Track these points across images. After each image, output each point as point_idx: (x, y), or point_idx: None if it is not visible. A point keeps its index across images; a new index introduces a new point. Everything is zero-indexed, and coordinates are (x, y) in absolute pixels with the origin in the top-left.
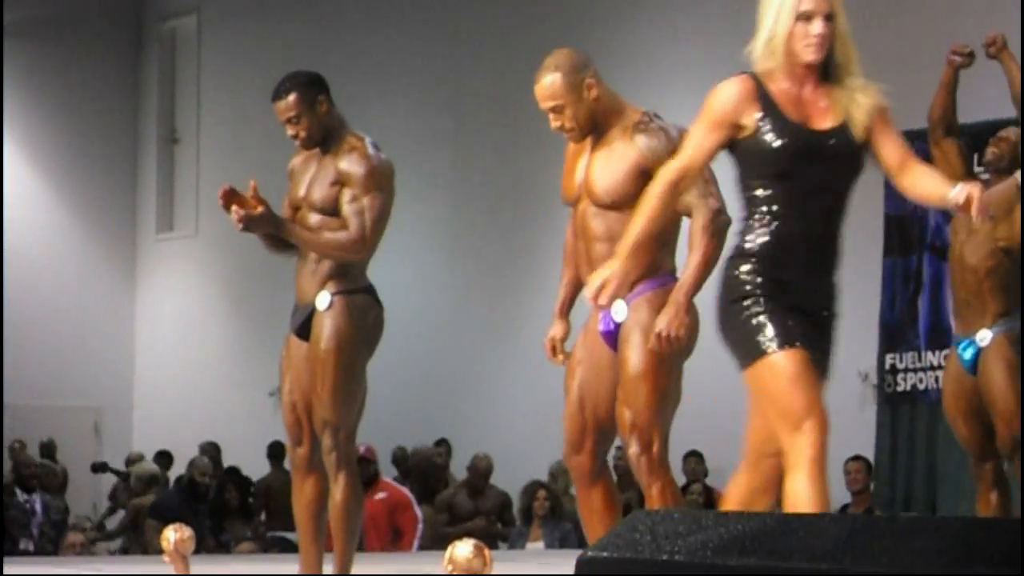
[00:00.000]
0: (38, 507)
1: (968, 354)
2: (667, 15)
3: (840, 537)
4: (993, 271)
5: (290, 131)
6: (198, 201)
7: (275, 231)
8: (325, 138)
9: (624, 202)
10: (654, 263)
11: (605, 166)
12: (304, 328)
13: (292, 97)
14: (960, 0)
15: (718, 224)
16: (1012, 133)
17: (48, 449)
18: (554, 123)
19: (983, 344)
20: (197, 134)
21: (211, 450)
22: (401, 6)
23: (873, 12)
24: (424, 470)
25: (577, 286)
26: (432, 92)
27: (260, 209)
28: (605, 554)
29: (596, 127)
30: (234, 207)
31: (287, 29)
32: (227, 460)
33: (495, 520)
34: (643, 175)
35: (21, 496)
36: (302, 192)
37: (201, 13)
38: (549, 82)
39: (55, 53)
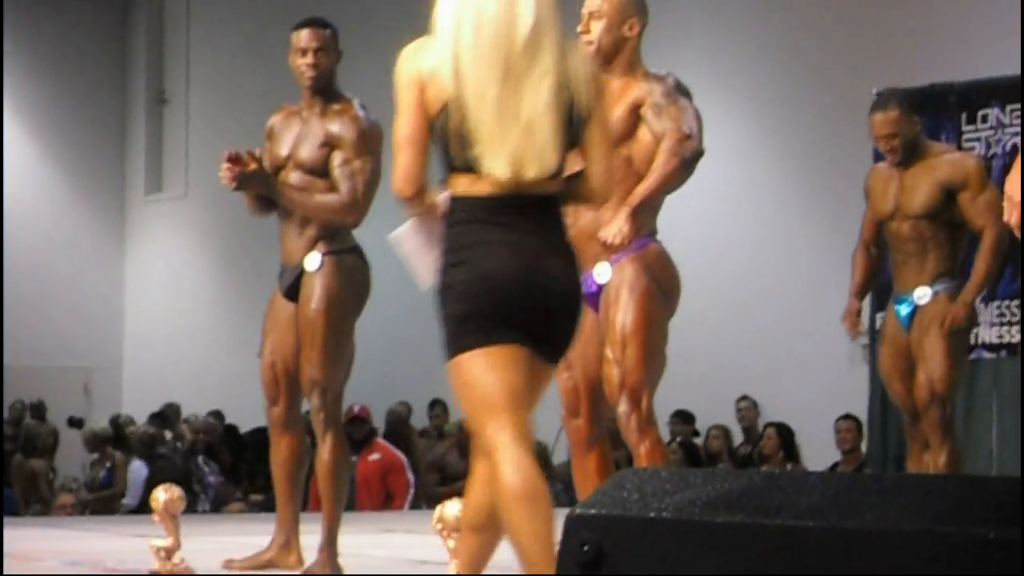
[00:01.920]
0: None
1: (905, 311)
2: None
3: (827, 494)
4: (934, 231)
5: (307, 60)
6: (187, 162)
7: (267, 192)
8: (324, 90)
9: (615, 141)
10: (638, 224)
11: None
12: (292, 289)
13: (327, 31)
14: None
15: (686, 147)
16: (880, 124)
17: (38, 410)
18: (581, 28)
19: (921, 302)
20: (186, 95)
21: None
22: None
23: None
24: (394, 427)
25: None
26: None
27: (253, 166)
28: (593, 511)
29: (608, 65)
30: (226, 164)
31: None
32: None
33: None
34: (634, 114)
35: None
36: (285, 151)
37: None
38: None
39: (42, 14)
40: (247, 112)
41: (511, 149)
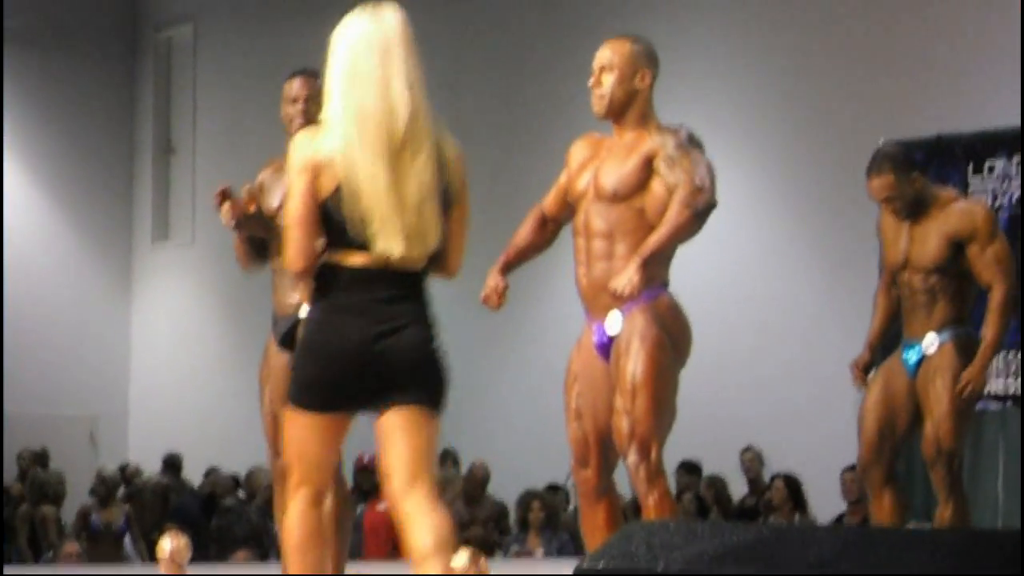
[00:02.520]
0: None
1: (913, 358)
2: (673, 23)
3: (835, 547)
4: (946, 283)
5: (298, 108)
6: (194, 210)
7: (265, 233)
8: None
9: (627, 193)
10: (649, 275)
11: (616, 162)
12: (287, 338)
13: (319, 81)
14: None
15: (698, 199)
16: (878, 189)
17: (41, 458)
18: (592, 82)
19: (929, 350)
20: (193, 144)
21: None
22: None
23: (876, 16)
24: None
25: (527, 256)
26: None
27: (253, 207)
28: (601, 564)
29: (621, 117)
30: (226, 204)
31: (283, 39)
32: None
33: (492, 528)
34: (647, 167)
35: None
36: (276, 203)
37: (197, 23)
38: (619, 44)
39: (52, 62)
40: (253, 161)
41: (403, 230)
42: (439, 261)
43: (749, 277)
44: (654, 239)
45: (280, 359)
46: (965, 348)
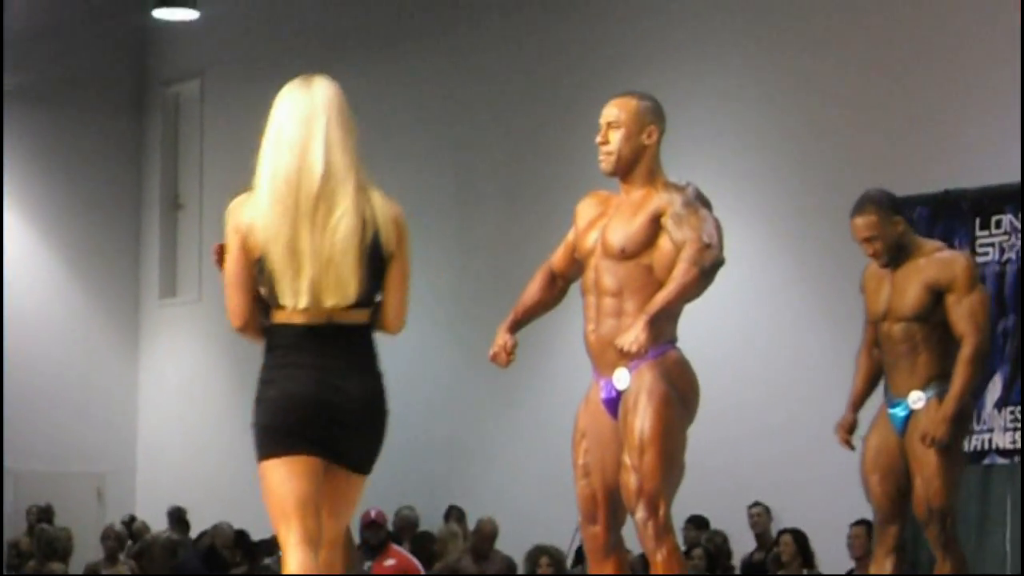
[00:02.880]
0: None
1: (900, 414)
2: (680, 80)
3: None
4: (927, 334)
5: None
6: (201, 266)
7: None
8: None
9: (635, 250)
10: (657, 331)
11: (624, 219)
12: None
13: None
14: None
15: (705, 257)
16: (870, 230)
17: (45, 514)
18: (600, 139)
19: (916, 406)
20: (200, 199)
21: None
22: (403, 70)
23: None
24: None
25: (536, 313)
26: (435, 158)
27: None
28: None
29: (628, 174)
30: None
31: None
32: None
33: None
34: (655, 223)
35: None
36: None
37: (204, 78)
38: (627, 101)
39: (58, 118)
40: None
41: (307, 284)
42: (378, 316)
43: (756, 330)
44: (661, 297)
45: None
46: None
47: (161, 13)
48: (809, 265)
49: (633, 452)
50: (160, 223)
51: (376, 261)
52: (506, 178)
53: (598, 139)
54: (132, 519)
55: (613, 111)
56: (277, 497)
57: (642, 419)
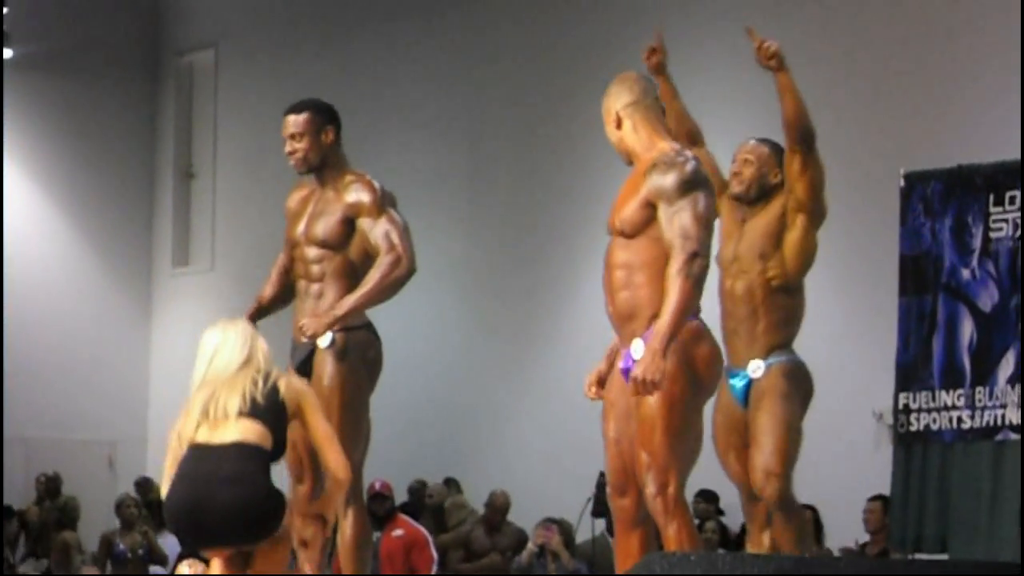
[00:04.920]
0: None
1: (740, 385)
2: (689, 47)
3: None
4: (766, 305)
5: (288, 147)
6: (214, 236)
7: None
8: (322, 169)
9: (634, 232)
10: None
11: (625, 198)
12: (305, 365)
13: (304, 115)
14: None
15: (693, 267)
16: (752, 153)
17: (53, 483)
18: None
19: (755, 375)
20: (213, 169)
21: None
22: (417, 41)
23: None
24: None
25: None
26: (448, 128)
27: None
28: None
29: (633, 156)
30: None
31: (304, 65)
32: None
33: (511, 556)
34: (649, 207)
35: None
36: (301, 228)
37: (218, 48)
38: (605, 96)
39: (72, 87)
40: (274, 187)
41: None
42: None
43: None
44: (664, 324)
45: None
46: (791, 372)
47: None
48: (823, 242)
49: (642, 427)
50: (173, 192)
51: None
52: (518, 149)
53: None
54: (146, 480)
55: (604, 104)
56: None
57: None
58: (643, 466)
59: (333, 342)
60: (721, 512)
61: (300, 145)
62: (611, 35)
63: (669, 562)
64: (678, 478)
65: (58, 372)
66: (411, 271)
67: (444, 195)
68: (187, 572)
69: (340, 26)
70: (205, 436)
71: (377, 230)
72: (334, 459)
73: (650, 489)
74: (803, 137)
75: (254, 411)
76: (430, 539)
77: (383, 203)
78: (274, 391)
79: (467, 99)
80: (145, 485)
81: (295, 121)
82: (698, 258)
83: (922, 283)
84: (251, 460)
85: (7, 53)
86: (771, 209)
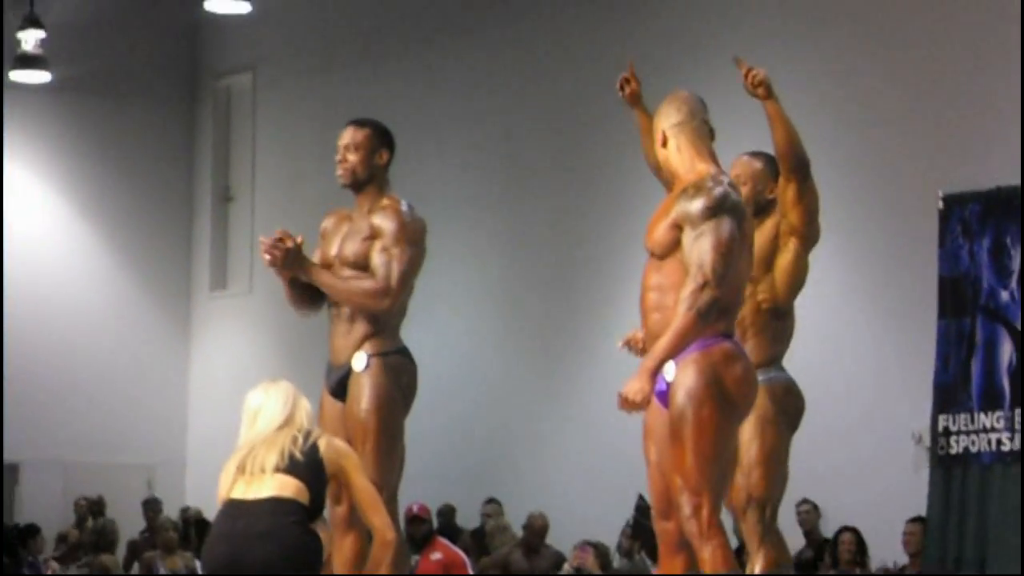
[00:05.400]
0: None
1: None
2: (731, 73)
3: None
4: (755, 327)
5: (339, 156)
6: (252, 259)
7: (303, 273)
8: (364, 187)
9: (664, 253)
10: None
11: (657, 219)
12: (339, 388)
13: (365, 131)
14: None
15: (701, 297)
16: (745, 171)
17: (98, 506)
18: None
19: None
20: (252, 192)
21: None
22: (454, 63)
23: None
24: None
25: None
26: (485, 149)
27: (289, 244)
28: None
29: (670, 176)
30: (262, 238)
31: (341, 87)
32: None
33: None
34: (676, 230)
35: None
36: (334, 250)
37: (256, 71)
38: (655, 114)
39: (110, 110)
40: (312, 210)
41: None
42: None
43: (811, 330)
44: (660, 348)
45: (335, 408)
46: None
47: (213, 5)
48: (860, 262)
49: (675, 450)
50: (211, 215)
51: (316, 476)
52: (556, 169)
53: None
54: (187, 509)
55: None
56: None
57: (678, 417)
58: (677, 489)
59: (368, 365)
60: None
61: (352, 158)
62: (649, 55)
63: None
64: (712, 500)
65: (97, 396)
66: (384, 310)
67: (481, 217)
68: None
69: (377, 48)
70: (241, 492)
71: (381, 258)
72: (380, 521)
73: (684, 512)
74: (797, 166)
75: (292, 468)
76: (468, 562)
77: (403, 236)
78: (313, 449)
79: (504, 121)
80: (186, 512)
81: (354, 134)
82: (707, 289)
83: (961, 305)
84: (286, 515)
85: (46, 77)
86: (764, 230)
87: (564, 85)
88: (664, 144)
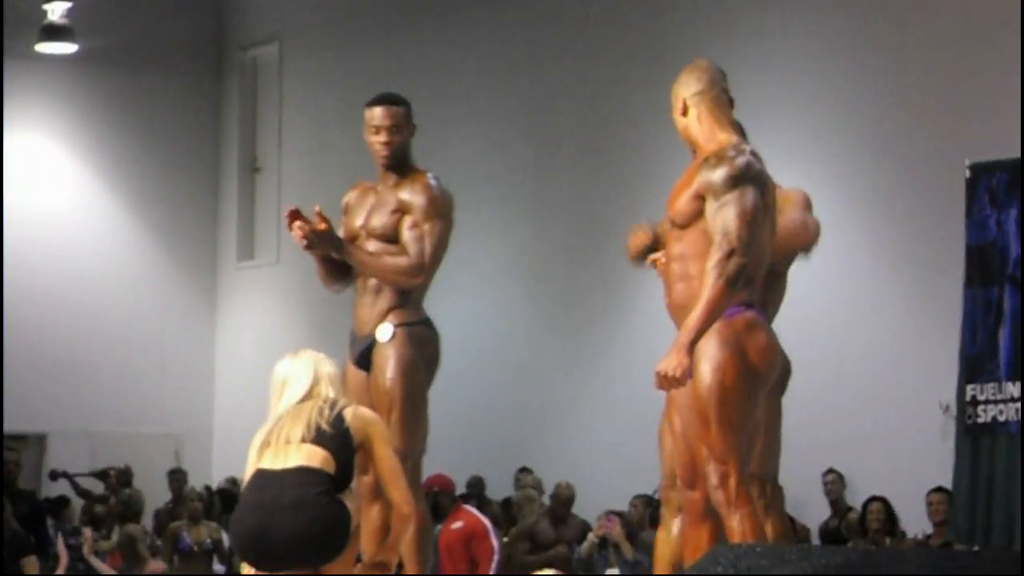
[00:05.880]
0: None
1: None
2: (761, 45)
3: (924, 569)
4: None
5: (383, 137)
6: (279, 229)
7: (336, 251)
8: (397, 165)
9: (685, 223)
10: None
11: (679, 189)
12: (363, 358)
13: (402, 109)
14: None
15: (728, 266)
16: (381, 115)
17: (125, 475)
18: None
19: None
20: (278, 163)
21: None
22: (480, 33)
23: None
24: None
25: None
26: (512, 121)
27: (323, 226)
28: None
29: (694, 146)
30: (296, 223)
31: (367, 58)
32: None
33: (576, 548)
34: (699, 200)
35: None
36: (359, 222)
37: (282, 42)
38: (675, 83)
39: (137, 82)
40: (339, 180)
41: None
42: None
43: (834, 301)
44: (693, 321)
45: (359, 378)
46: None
47: None
48: (885, 232)
49: (699, 419)
50: (238, 186)
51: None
52: (583, 140)
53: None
54: (208, 488)
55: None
56: None
57: (701, 385)
58: (703, 459)
59: (393, 336)
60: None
61: (397, 138)
62: (676, 27)
63: (735, 554)
64: (738, 469)
65: (124, 366)
66: (417, 285)
67: (508, 189)
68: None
69: (403, 18)
70: (268, 462)
71: (413, 233)
72: (398, 495)
73: (712, 481)
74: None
75: (319, 438)
76: (491, 529)
77: (434, 211)
78: (340, 419)
79: (530, 91)
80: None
81: (392, 113)
82: (735, 256)
83: (988, 274)
84: (314, 485)
85: (72, 48)
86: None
87: (590, 56)
88: (684, 113)
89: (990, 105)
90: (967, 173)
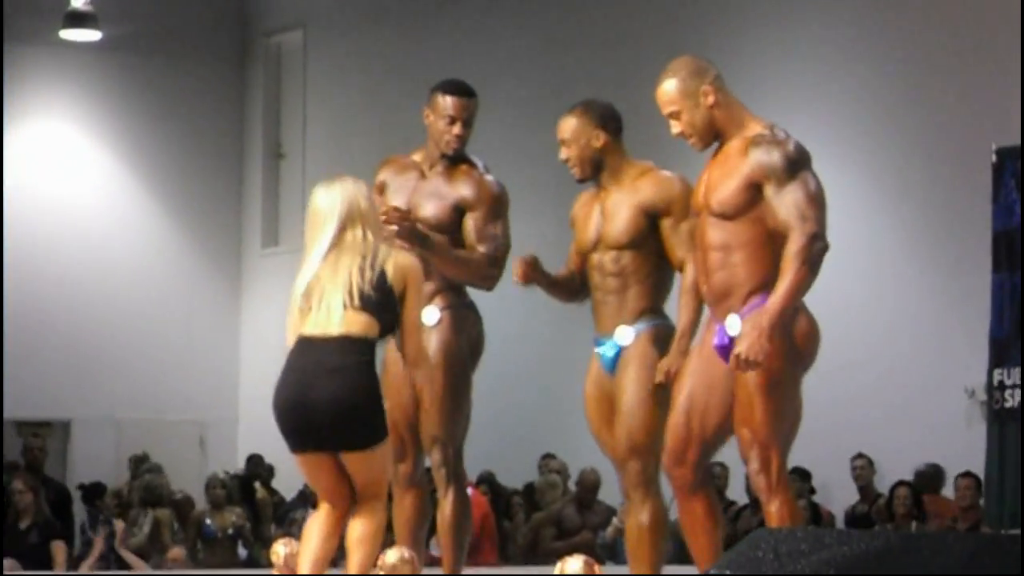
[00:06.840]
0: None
1: (610, 353)
2: (785, 29)
3: (964, 556)
4: (632, 270)
5: (455, 129)
6: (303, 216)
7: (424, 246)
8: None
9: (735, 214)
10: (770, 275)
11: (720, 177)
12: None
13: (475, 100)
14: None
15: (813, 250)
16: (560, 128)
17: (143, 461)
18: (673, 129)
19: (624, 343)
20: (303, 149)
21: None
22: (507, 21)
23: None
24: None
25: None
26: (538, 107)
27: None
28: (728, 572)
29: (717, 136)
30: (392, 206)
31: (391, 45)
32: None
33: (601, 534)
34: (754, 188)
35: None
36: (400, 203)
37: (307, 28)
38: (666, 87)
39: (161, 68)
40: (363, 166)
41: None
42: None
43: (862, 284)
44: (775, 303)
45: (400, 363)
46: (661, 338)
47: None
48: (913, 217)
49: (743, 404)
50: (263, 172)
51: (387, 299)
52: None
53: (674, 132)
54: (234, 475)
55: (665, 106)
56: (311, 484)
57: (747, 371)
58: (746, 443)
59: (439, 320)
60: (813, 491)
61: (469, 131)
62: (706, 8)
63: (776, 538)
64: (780, 455)
65: (149, 353)
66: (489, 286)
67: (536, 176)
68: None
69: (428, 4)
70: (311, 328)
71: (484, 233)
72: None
73: (753, 466)
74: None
75: (361, 303)
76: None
77: (499, 211)
78: (382, 277)
79: (556, 76)
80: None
81: (471, 105)
82: (818, 240)
83: (1014, 259)
84: (356, 353)
85: (96, 35)
86: (627, 188)
87: (617, 39)
88: (709, 99)
89: (1017, 89)
90: (993, 158)
